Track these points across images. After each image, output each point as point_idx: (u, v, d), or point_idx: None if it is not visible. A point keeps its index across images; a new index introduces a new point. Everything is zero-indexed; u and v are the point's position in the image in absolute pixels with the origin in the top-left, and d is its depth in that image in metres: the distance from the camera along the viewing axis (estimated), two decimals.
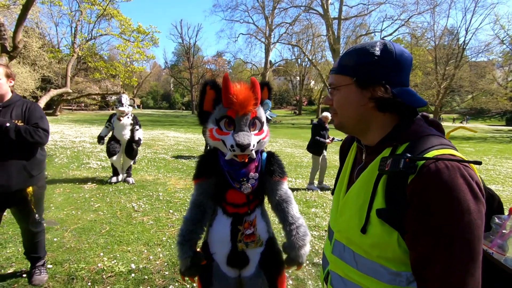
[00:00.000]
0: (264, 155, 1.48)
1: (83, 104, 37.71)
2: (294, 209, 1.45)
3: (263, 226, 1.47)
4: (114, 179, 5.18)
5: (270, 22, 36.00)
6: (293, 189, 5.41)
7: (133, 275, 2.45)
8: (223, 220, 1.43)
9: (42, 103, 5.31)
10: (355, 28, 33.66)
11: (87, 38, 7.19)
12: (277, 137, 15.70)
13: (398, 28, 31.40)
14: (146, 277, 2.44)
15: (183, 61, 52.38)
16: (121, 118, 4.90)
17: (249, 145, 1.26)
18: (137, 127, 5.09)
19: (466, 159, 0.64)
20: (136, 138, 5.04)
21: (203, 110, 1.37)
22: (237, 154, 1.30)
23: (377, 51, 0.73)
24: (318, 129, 5.59)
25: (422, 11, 29.76)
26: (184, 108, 59.93)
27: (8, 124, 1.88)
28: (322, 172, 5.84)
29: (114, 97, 4.22)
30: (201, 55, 55.86)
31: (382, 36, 32.94)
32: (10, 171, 1.96)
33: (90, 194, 4.53)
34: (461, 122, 35.85)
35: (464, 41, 30.26)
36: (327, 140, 5.61)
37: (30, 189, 2.12)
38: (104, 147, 5.44)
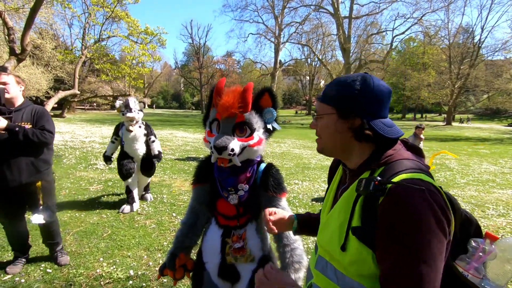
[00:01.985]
0: (262, 166, 1.40)
1: (95, 104, 38.46)
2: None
3: (257, 243, 1.40)
4: (127, 209, 3.96)
5: (279, 21, 35.80)
6: (299, 192, 5.31)
7: (131, 282, 2.41)
8: (215, 230, 1.40)
9: (50, 104, 5.37)
10: (366, 27, 33.12)
11: (96, 40, 7.26)
12: (285, 138, 15.57)
13: (410, 26, 30.67)
14: (144, 284, 2.40)
15: (193, 61, 52.71)
16: (131, 128, 3.82)
17: (224, 148, 1.22)
18: (152, 137, 4.05)
19: (434, 184, 0.69)
20: (156, 152, 4.05)
21: (208, 113, 1.42)
22: (216, 156, 1.29)
23: (358, 85, 0.78)
24: None
25: (436, 8, 28.97)
26: (194, 108, 60.41)
27: (17, 129, 2.13)
28: None
29: (118, 102, 3.92)
30: (211, 55, 56.13)
31: (394, 35, 32.32)
32: (20, 167, 2.26)
33: (95, 196, 4.55)
34: (462, 123, 34.89)
35: (479, 39, 29.41)
36: None
37: (39, 183, 2.39)
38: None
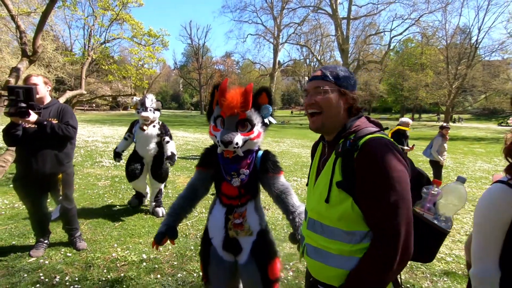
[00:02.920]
0: (260, 153, 1.64)
1: (94, 105, 38.56)
2: (294, 199, 1.61)
3: (256, 219, 1.64)
4: (135, 202, 4.04)
5: (278, 22, 36.05)
6: (298, 188, 5.55)
7: (144, 264, 2.64)
8: (219, 209, 1.63)
9: None
10: (365, 27, 33.41)
11: (101, 42, 7.48)
12: (284, 137, 15.82)
13: (408, 27, 31.02)
14: (156, 266, 2.63)
15: (192, 62, 52.96)
16: (145, 127, 3.64)
17: (230, 142, 1.45)
18: (167, 138, 3.76)
19: (389, 135, 0.95)
20: (169, 153, 3.67)
21: (212, 109, 1.59)
22: (222, 149, 1.51)
23: (350, 72, 1.07)
24: (398, 137, 5.00)
25: (433, 9, 29.28)
26: (193, 108, 60.58)
27: (45, 122, 2.40)
28: None
29: (135, 98, 3.81)
30: (210, 55, 56.40)
31: (392, 36, 32.64)
32: (45, 159, 2.52)
33: (103, 191, 4.78)
34: (454, 122, 35.43)
35: (476, 40, 29.65)
36: (407, 147, 5.08)
37: (60, 176, 2.65)
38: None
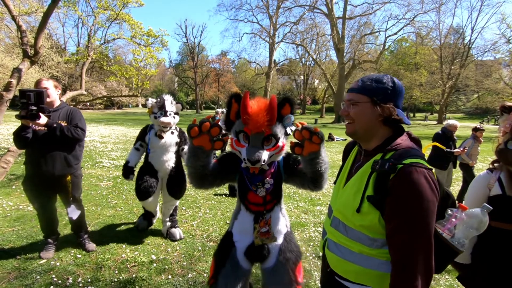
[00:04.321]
0: (281, 158, 1.67)
1: (88, 104, 38.19)
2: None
3: (282, 223, 1.69)
4: (144, 224, 3.39)
5: (274, 21, 36.10)
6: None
7: (154, 265, 2.68)
8: (246, 215, 1.64)
9: None
10: (360, 27, 33.64)
11: (101, 42, 7.45)
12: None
13: (403, 27, 31.36)
14: (166, 266, 2.67)
15: (187, 60, 52.62)
16: (163, 134, 3.05)
17: (258, 161, 1.44)
18: (186, 147, 3.16)
19: (429, 167, 0.98)
20: None
21: (230, 119, 1.55)
22: (249, 166, 1.51)
23: (390, 82, 1.07)
24: (444, 141, 4.78)
25: (428, 10, 29.68)
26: (188, 107, 60.28)
27: (55, 125, 2.45)
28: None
29: (151, 100, 3.09)
30: (206, 54, 56.15)
31: (386, 35, 32.88)
32: (55, 160, 2.56)
33: (107, 192, 4.79)
34: (425, 119, 36.80)
35: (470, 40, 30.09)
36: (458, 150, 4.79)
37: (69, 178, 2.68)
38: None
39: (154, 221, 3.48)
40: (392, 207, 0.96)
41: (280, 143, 1.53)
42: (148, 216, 3.39)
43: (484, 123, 31.38)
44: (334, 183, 1.29)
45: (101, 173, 5.99)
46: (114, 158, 7.53)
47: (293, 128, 1.56)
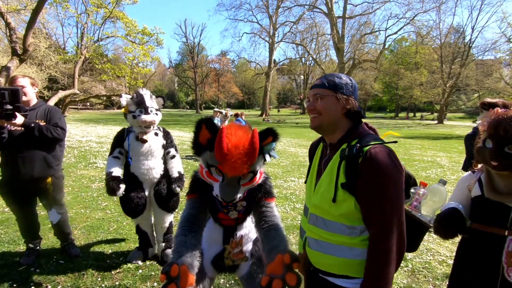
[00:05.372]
0: None
1: (88, 104, 38.13)
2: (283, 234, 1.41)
3: (252, 228, 1.57)
4: (138, 258, 2.71)
5: (274, 21, 35.99)
6: (295, 189, 5.49)
7: (140, 271, 2.55)
8: (216, 227, 1.53)
9: (51, 103, 5.43)
10: (360, 26, 33.54)
11: (94, 40, 7.33)
12: (281, 136, 15.67)
13: (403, 26, 31.24)
14: (152, 273, 2.54)
15: (187, 60, 52.56)
16: (146, 137, 2.52)
17: (233, 200, 1.28)
18: (172, 151, 2.70)
19: (389, 145, 1.07)
20: (175, 174, 2.62)
21: (198, 142, 1.31)
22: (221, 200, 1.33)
23: (347, 78, 1.16)
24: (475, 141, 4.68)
25: (428, 9, 29.55)
26: (188, 107, 60.24)
27: (33, 125, 2.31)
28: None
29: (125, 97, 2.54)
30: (205, 54, 56.09)
31: (387, 35, 32.76)
32: (34, 161, 2.42)
33: (97, 193, 4.66)
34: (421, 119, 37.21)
35: (470, 39, 29.99)
36: None
37: (49, 179, 2.54)
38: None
39: (152, 253, 2.80)
40: (364, 187, 1.02)
41: (257, 176, 1.35)
42: (143, 243, 2.76)
43: (476, 122, 31.36)
44: (305, 182, 1.31)
45: (93, 174, 5.87)
46: None
47: (275, 155, 1.37)
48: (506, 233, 1.17)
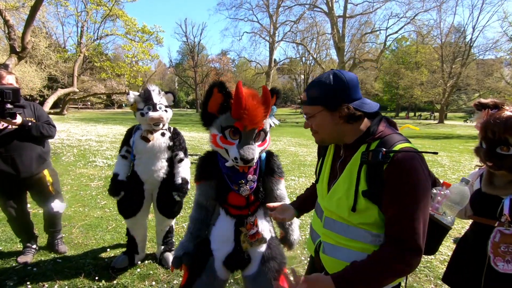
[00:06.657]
0: (263, 155, 1.52)
1: (89, 103, 38.16)
2: None
3: (267, 226, 1.53)
4: (123, 263, 2.53)
5: (274, 20, 35.89)
6: (296, 188, 5.46)
7: (138, 270, 2.52)
8: (227, 220, 1.47)
9: (49, 102, 5.41)
10: (360, 26, 33.37)
11: (93, 38, 7.30)
12: (281, 136, 15.72)
13: (403, 26, 31.06)
14: (151, 272, 2.51)
15: (187, 59, 52.48)
16: (151, 137, 2.39)
17: (253, 159, 1.31)
18: (180, 154, 2.54)
19: (420, 150, 0.93)
20: (179, 180, 2.43)
21: (208, 111, 1.36)
22: (239, 165, 1.36)
23: (331, 80, 0.96)
24: None
25: (428, 8, 29.37)
26: (188, 107, 60.25)
27: (29, 124, 2.32)
28: None
29: (132, 94, 2.42)
30: (206, 53, 56.01)
31: (387, 34, 32.66)
32: (32, 158, 2.43)
33: (96, 192, 4.64)
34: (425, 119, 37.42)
35: (471, 39, 29.90)
36: None
37: (46, 171, 2.56)
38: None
39: (138, 261, 2.62)
40: (391, 196, 0.91)
41: (267, 138, 1.42)
42: (130, 249, 2.60)
43: (468, 121, 31.43)
44: (315, 182, 1.21)
45: (93, 173, 5.84)
46: (108, 157, 7.37)
47: (276, 121, 1.47)
48: (496, 224, 1.24)
